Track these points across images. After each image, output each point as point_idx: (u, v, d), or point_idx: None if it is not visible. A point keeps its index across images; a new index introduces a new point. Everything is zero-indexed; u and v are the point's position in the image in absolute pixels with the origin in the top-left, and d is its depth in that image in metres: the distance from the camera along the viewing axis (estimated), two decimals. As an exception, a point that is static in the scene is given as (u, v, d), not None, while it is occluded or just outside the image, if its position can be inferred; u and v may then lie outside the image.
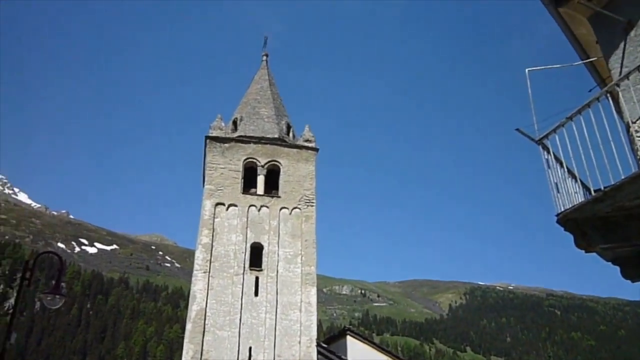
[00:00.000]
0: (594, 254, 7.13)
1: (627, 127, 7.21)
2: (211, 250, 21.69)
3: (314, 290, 21.72)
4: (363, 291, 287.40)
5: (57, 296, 12.83)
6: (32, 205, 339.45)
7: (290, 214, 23.26)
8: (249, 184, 23.92)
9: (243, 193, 23.34)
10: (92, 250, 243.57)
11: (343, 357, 21.82)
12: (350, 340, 24.89)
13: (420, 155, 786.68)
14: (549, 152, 7.24)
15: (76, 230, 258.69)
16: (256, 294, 21.25)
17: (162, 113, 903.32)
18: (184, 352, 19.80)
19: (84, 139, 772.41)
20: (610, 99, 6.87)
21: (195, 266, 21.40)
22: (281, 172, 24.20)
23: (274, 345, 20.30)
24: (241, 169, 23.83)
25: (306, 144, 25.12)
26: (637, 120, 7.08)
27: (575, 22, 8.89)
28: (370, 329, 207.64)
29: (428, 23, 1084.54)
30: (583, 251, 7.06)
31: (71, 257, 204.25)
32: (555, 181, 7.11)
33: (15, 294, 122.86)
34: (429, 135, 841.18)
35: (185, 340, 20.08)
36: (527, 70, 8.03)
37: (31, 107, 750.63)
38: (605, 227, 6.75)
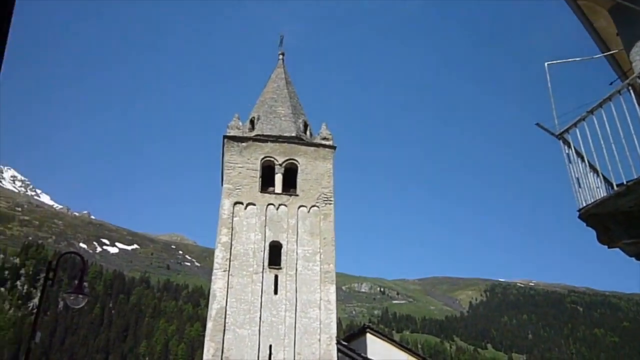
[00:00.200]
0: (617, 249, 7.04)
1: (650, 120, 7.09)
2: (230, 249, 21.79)
3: (333, 288, 21.70)
4: (382, 289, 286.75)
5: (80, 296, 12.98)
6: (54, 206, 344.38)
7: (309, 212, 23.27)
8: (267, 182, 23.97)
9: (261, 192, 23.39)
10: (113, 250, 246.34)
11: (363, 354, 21.78)
12: (370, 338, 24.85)
13: (440, 151, 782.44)
14: (569, 147, 7.15)
15: (97, 231, 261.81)
16: (275, 292, 21.31)
17: (181, 113, 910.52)
18: (205, 350, 19.92)
19: (104, 141, 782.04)
20: (631, 91, 6.76)
21: (215, 265, 21.51)
22: (299, 171, 24.21)
23: (294, 343, 20.34)
24: (259, 168, 23.89)
25: (323, 142, 25.09)
26: (660, 112, 6.96)
27: (595, 14, 8.76)
28: (389, 327, 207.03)
29: (446, 19, 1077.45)
30: (606, 246, 6.97)
31: (93, 257, 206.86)
32: (576, 176, 7.02)
33: (39, 294, 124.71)
34: (447, 132, 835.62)
35: (206, 339, 20.20)
36: (546, 64, 7.93)
37: (52, 110, 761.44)
38: (628, 221, 6.65)
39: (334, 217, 23.20)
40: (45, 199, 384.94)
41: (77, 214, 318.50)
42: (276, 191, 23.67)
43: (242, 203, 22.92)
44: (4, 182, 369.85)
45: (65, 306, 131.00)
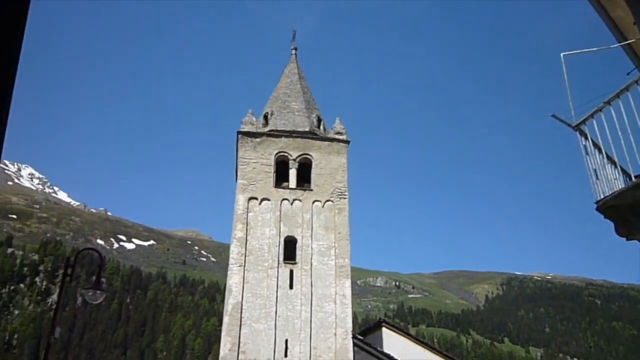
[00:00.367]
0: (636, 241, 6.95)
1: (669, 110, 6.98)
2: (246, 244, 21.89)
3: (348, 283, 21.73)
4: (397, 283, 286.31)
5: (98, 291, 13.11)
6: (72, 203, 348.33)
7: (323, 206, 23.28)
8: (281, 177, 24.02)
9: (275, 187, 23.46)
10: (130, 246, 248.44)
11: (379, 349, 21.78)
12: (385, 332, 24.85)
13: (453, 144, 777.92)
14: (586, 138, 7.07)
15: (114, 227, 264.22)
16: (291, 286, 21.38)
17: (195, 110, 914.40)
18: (222, 344, 20.06)
19: (119, 138, 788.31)
20: (650, 81, 6.66)
21: (231, 260, 21.63)
22: (313, 165, 24.22)
23: (309, 337, 20.41)
24: (273, 163, 23.94)
25: (337, 136, 25.07)
26: (679, 102, 6.85)
27: (611, 3, 8.62)
28: (405, 321, 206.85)
29: (460, 11, 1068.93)
30: (624, 239, 6.88)
31: (110, 253, 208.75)
32: (593, 167, 6.95)
33: (58, 290, 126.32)
34: (462, 124, 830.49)
35: (223, 333, 20.34)
36: (562, 54, 7.83)
37: (69, 108, 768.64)
38: (647, 213, 6.57)
39: (348, 211, 23.20)
40: (62, 196, 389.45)
41: (94, 210, 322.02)
42: (290, 186, 23.72)
43: (256, 198, 23.00)
44: (22, 179, 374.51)
45: (83, 302, 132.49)
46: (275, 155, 24.16)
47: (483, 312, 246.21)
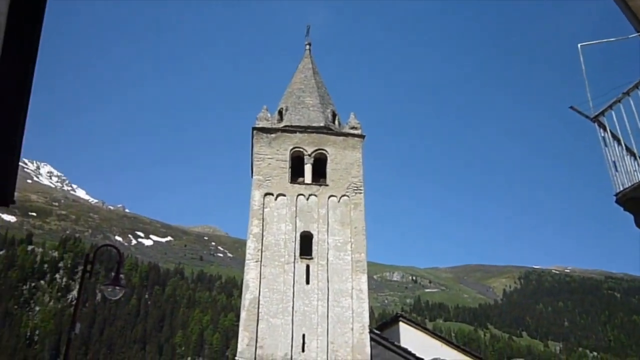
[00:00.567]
0: (656, 234, 6.85)
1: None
2: (262, 239, 21.97)
3: (364, 278, 21.72)
4: (414, 277, 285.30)
5: (117, 287, 13.19)
6: (90, 200, 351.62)
7: (339, 201, 23.28)
8: (296, 173, 24.05)
9: (291, 182, 23.50)
10: (148, 242, 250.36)
11: (396, 343, 21.76)
12: (402, 327, 24.82)
13: (470, 136, 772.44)
14: (605, 130, 6.98)
15: (132, 224, 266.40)
16: (307, 282, 21.43)
17: (211, 107, 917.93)
18: (240, 339, 20.18)
19: (136, 137, 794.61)
20: (669, 71, 6.55)
21: (247, 256, 21.72)
22: (328, 161, 24.21)
23: (327, 332, 20.45)
24: (288, 159, 23.97)
25: (352, 131, 25.02)
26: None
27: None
28: (422, 315, 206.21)
29: (475, 9, 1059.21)
30: (644, 231, 6.78)
31: (128, 249, 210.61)
32: (612, 159, 6.86)
33: (77, 286, 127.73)
34: (479, 116, 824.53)
35: (240, 329, 20.46)
36: (579, 45, 7.73)
37: (87, 108, 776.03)
38: (667, 205, 6.47)
39: (364, 206, 23.17)
40: (80, 193, 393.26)
41: (112, 207, 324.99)
42: (306, 181, 23.74)
43: (272, 194, 23.06)
44: (41, 177, 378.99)
45: (103, 298, 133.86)
46: (291, 150, 24.18)
47: (501, 306, 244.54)
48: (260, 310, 20.60)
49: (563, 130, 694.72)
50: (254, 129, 24.50)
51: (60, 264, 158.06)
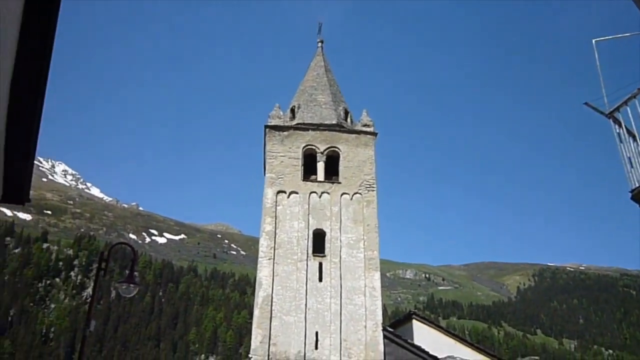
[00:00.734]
0: (673, 231, 6.77)
1: None
2: (275, 237, 22.02)
3: (377, 275, 21.70)
4: (427, 275, 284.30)
5: (131, 285, 13.30)
6: (104, 198, 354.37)
7: (351, 199, 23.26)
8: (309, 170, 24.06)
9: (303, 180, 23.52)
10: (161, 240, 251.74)
11: (410, 341, 21.71)
12: (416, 324, 24.73)
13: (484, 136, 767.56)
14: (620, 126, 6.91)
15: (146, 222, 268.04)
16: (320, 279, 21.44)
17: (222, 105, 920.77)
18: (253, 337, 20.25)
19: (149, 135, 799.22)
20: (686, 66, 6.47)
21: (260, 253, 21.80)
22: (341, 158, 24.19)
23: (340, 329, 20.46)
24: (301, 157, 23.98)
25: (365, 128, 24.98)
26: None
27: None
28: (435, 313, 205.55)
29: (487, 2, 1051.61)
30: (660, 228, 6.71)
31: (142, 247, 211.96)
32: (628, 155, 6.79)
33: (92, 284, 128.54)
34: (491, 115, 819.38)
35: (254, 326, 20.53)
36: (594, 41, 7.65)
37: (100, 106, 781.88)
38: (683, 202, 6.39)
39: (376, 203, 23.14)
40: (95, 191, 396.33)
41: (126, 205, 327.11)
42: (318, 179, 23.75)
43: (284, 192, 23.10)
44: (56, 176, 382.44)
45: (117, 295, 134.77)
46: (303, 148, 24.20)
47: (515, 304, 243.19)
48: (273, 307, 20.66)
49: (579, 127, 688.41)
50: (266, 126, 24.55)
51: (75, 262, 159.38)
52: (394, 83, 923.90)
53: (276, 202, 22.81)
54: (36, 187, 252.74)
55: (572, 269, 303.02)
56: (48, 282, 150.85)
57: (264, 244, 21.91)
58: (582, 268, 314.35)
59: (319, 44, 29.80)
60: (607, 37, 7.96)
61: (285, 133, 24.40)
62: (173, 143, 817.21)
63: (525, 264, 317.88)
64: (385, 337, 20.61)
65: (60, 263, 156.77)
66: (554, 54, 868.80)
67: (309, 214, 22.70)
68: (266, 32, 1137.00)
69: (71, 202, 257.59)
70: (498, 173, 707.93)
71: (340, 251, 22.03)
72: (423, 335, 23.71)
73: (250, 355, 20.07)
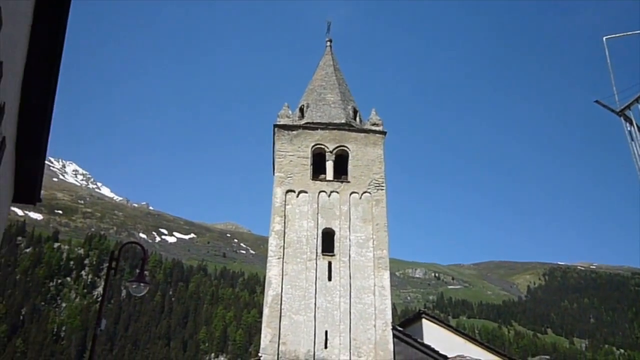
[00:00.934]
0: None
1: None
2: (284, 236, 22.03)
3: (387, 274, 21.66)
4: (437, 274, 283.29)
5: (142, 284, 13.33)
6: (114, 198, 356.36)
7: (361, 198, 23.23)
8: (318, 170, 24.04)
9: (313, 179, 23.51)
10: (171, 239, 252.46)
11: (419, 340, 21.66)
12: (425, 324, 24.66)
13: (493, 135, 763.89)
14: (631, 124, 6.86)
15: (156, 221, 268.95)
16: (329, 278, 21.43)
17: (232, 105, 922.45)
18: (262, 336, 20.27)
19: (159, 135, 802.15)
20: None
21: (270, 253, 21.82)
22: (350, 157, 24.16)
23: (349, 329, 20.44)
24: (310, 156, 23.97)
25: (373, 127, 24.94)
26: None
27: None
28: (445, 312, 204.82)
29: (497, 7, 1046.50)
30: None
31: (152, 246, 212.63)
32: (639, 153, 6.73)
33: (103, 283, 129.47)
34: (500, 114, 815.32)
35: (263, 325, 20.55)
36: (604, 38, 7.60)
37: (110, 106, 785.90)
38: (696, 200, 6.32)
39: (386, 202, 23.11)
40: (105, 191, 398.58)
41: (136, 205, 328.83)
42: (327, 178, 23.73)
43: (294, 191, 23.10)
44: (66, 176, 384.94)
45: (127, 294, 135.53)
46: (312, 147, 24.19)
47: (525, 303, 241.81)
48: (282, 307, 20.68)
49: (589, 125, 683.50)
50: (275, 126, 24.56)
51: (86, 261, 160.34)
52: (403, 82, 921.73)
53: (285, 201, 22.82)
54: (47, 187, 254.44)
55: (582, 268, 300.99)
56: (59, 281, 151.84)
57: (273, 243, 21.93)
58: (593, 267, 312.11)
59: (328, 43, 29.78)
60: (618, 35, 7.90)
61: (294, 132, 24.41)
62: (183, 143, 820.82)
63: (535, 263, 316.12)
64: (394, 336, 20.58)
65: (71, 262, 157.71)
66: (563, 52, 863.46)
67: (318, 213, 22.69)
68: (275, 31, 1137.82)
69: (82, 201, 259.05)
70: (508, 172, 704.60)
71: (350, 250, 22.00)
72: (433, 334, 23.63)
73: (259, 354, 20.10)
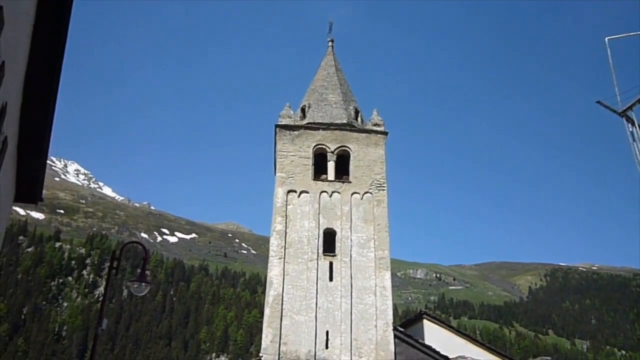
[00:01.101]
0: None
1: None
2: (285, 236, 22.03)
3: (388, 275, 21.66)
4: (438, 275, 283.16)
5: (143, 284, 13.34)
6: (116, 198, 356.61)
7: (362, 198, 23.23)
8: (319, 170, 24.04)
9: (314, 179, 23.50)
10: (173, 239, 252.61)
11: (420, 340, 21.65)
12: (427, 324, 24.65)
13: (494, 134, 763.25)
14: (633, 124, 6.85)
15: (157, 221, 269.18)
16: (331, 278, 21.43)
17: (233, 105, 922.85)
18: (264, 336, 20.27)
19: (161, 135, 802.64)
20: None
21: (271, 253, 21.81)
22: (351, 157, 24.16)
23: (350, 329, 20.43)
24: (311, 156, 23.97)
25: (375, 128, 24.93)
26: None
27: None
28: (446, 313, 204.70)
29: (501, 7, 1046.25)
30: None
31: (154, 246, 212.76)
32: (641, 155, 6.72)
33: (104, 283, 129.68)
34: (502, 115, 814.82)
35: (264, 325, 20.55)
36: (606, 39, 7.59)
37: (112, 106, 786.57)
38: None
39: (387, 203, 23.10)
40: (107, 191, 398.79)
41: (137, 205, 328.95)
42: (329, 178, 23.73)
43: (295, 191, 23.10)
44: (68, 175, 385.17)
45: (129, 294, 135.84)
46: (313, 147, 24.18)
47: (526, 304, 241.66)
48: (283, 307, 20.68)
49: (590, 126, 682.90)
50: (276, 126, 24.57)
51: (88, 261, 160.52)
52: (404, 83, 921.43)
53: (287, 201, 22.82)
54: (49, 187, 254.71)
55: (584, 269, 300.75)
56: (61, 280, 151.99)
57: (274, 243, 21.93)
58: (595, 268, 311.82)
59: (330, 44, 29.78)
60: (620, 35, 7.89)
61: (295, 132, 24.41)
62: (184, 143, 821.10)
63: (537, 264, 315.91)
64: (395, 336, 20.56)
65: (73, 262, 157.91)
66: (565, 52, 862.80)
67: (319, 214, 22.69)
68: (277, 31, 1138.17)
69: (83, 201, 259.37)
70: (509, 173, 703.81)
71: (351, 250, 22.00)
72: (434, 335, 23.62)
73: (260, 354, 20.10)
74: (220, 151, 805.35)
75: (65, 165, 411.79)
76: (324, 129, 24.61)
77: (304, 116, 25.95)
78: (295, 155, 23.85)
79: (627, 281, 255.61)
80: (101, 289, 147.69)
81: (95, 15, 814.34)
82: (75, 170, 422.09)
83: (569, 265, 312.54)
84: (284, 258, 21.57)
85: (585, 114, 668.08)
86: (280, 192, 22.99)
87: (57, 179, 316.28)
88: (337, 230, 22.42)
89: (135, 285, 13.44)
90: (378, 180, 23.48)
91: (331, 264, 21.72)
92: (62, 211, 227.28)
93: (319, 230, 22.30)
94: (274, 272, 21.33)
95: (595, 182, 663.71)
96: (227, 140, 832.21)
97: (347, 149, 24.30)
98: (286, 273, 21.31)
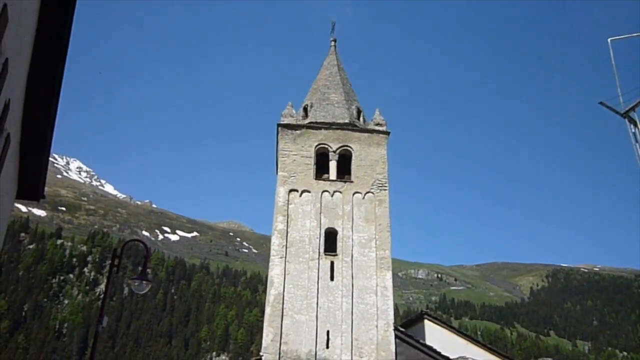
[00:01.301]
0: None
1: None
2: (286, 236, 22.01)
3: (389, 275, 21.62)
4: (439, 275, 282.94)
5: (144, 282, 13.36)
6: (118, 196, 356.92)
7: (364, 198, 23.20)
8: (321, 169, 24.02)
9: (316, 179, 23.48)
10: (174, 237, 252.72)
11: (421, 341, 21.63)
12: (428, 325, 24.64)
13: (496, 135, 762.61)
14: (636, 125, 6.84)
15: (159, 219, 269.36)
16: (332, 278, 21.41)
17: (235, 103, 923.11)
18: (264, 335, 20.26)
19: (163, 133, 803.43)
20: None
21: (272, 252, 21.79)
22: (353, 157, 24.14)
23: (351, 329, 20.42)
24: (313, 155, 23.94)
25: (377, 127, 24.90)
26: None
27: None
28: (448, 313, 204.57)
29: (500, 2, 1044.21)
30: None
31: (155, 244, 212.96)
32: (643, 156, 6.71)
33: (105, 280, 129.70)
34: (504, 115, 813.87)
35: (265, 324, 20.55)
36: (609, 39, 7.58)
37: (114, 103, 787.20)
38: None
39: (389, 203, 23.07)
40: (109, 188, 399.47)
41: (139, 202, 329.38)
42: (331, 178, 23.71)
43: (297, 190, 23.08)
44: (70, 173, 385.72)
45: (130, 292, 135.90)
46: (315, 147, 24.16)
47: (528, 305, 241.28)
48: (284, 306, 20.66)
49: (592, 127, 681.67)
50: (279, 125, 24.55)
51: (89, 258, 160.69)
52: (406, 83, 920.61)
53: (288, 200, 22.81)
54: (51, 184, 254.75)
55: (586, 270, 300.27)
56: (62, 278, 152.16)
57: (275, 243, 21.92)
58: (597, 269, 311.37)
59: (332, 43, 29.73)
60: (622, 36, 7.88)
61: (297, 132, 24.39)
62: (186, 141, 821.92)
63: (538, 265, 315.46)
64: (396, 336, 20.54)
65: (74, 259, 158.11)
66: (567, 53, 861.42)
67: (321, 213, 22.67)
68: (280, 31, 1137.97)
69: (85, 198, 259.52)
70: (511, 173, 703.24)
71: (352, 250, 21.97)
72: (435, 335, 23.61)
73: (261, 354, 20.09)
74: (223, 150, 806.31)
75: (68, 163, 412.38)
76: (326, 129, 24.59)
77: (306, 115, 25.94)
78: (297, 154, 23.83)
79: (629, 282, 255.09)
80: (102, 286, 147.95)
81: (97, 13, 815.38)
82: (77, 167, 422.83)
83: (570, 266, 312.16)
84: (285, 257, 21.56)
85: (588, 115, 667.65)
86: (281, 191, 22.97)
87: (59, 176, 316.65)
88: (339, 229, 22.40)
89: (136, 283, 13.46)
90: (380, 180, 23.45)
91: (332, 263, 21.70)
92: (63, 208, 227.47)
93: (320, 229, 22.28)
94: (275, 271, 21.32)
95: (597, 182, 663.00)
96: (230, 139, 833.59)
97: (349, 148, 24.28)
98: (287, 272, 21.29)
